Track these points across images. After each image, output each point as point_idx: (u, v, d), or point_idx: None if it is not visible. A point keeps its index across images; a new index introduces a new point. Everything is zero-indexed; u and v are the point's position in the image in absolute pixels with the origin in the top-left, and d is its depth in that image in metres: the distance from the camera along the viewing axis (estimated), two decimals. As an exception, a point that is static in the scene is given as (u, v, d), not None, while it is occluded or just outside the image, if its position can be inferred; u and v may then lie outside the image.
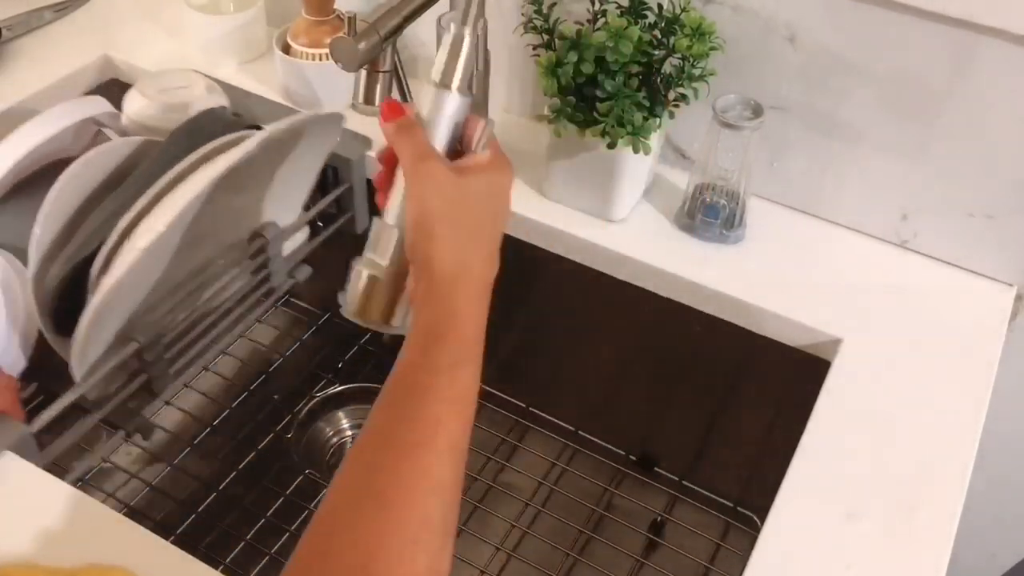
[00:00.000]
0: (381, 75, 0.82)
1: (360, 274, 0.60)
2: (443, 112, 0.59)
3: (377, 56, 0.80)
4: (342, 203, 0.97)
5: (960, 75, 0.78)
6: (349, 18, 0.77)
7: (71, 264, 0.73)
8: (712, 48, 0.81)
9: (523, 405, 1.12)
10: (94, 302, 0.69)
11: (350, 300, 0.60)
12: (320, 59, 1.00)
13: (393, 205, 0.59)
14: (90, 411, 0.74)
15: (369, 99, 0.83)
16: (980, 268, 0.88)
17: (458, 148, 0.60)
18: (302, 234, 0.93)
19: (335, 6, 1.00)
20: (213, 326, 0.84)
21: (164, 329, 0.78)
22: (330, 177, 0.96)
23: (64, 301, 0.74)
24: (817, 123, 0.87)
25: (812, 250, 0.90)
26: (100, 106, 0.88)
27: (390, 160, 0.60)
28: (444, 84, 0.59)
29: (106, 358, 0.74)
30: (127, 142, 0.82)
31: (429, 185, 0.55)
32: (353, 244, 0.92)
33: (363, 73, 0.82)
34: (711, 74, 0.82)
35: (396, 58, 0.83)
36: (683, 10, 0.82)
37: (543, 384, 1.11)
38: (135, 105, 0.92)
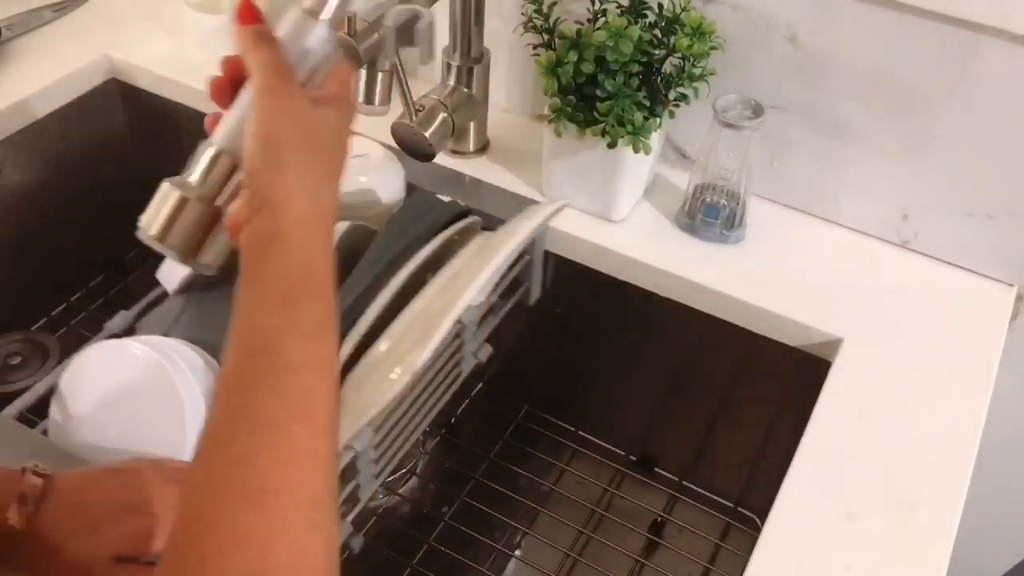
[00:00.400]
0: (381, 74, 0.82)
1: (168, 194, 0.52)
2: (303, 42, 0.52)
3: (377, 56, 0.80)
4: (519, 275, 0.89)
5: (961, 75, 0.78)
6: (349, 17, 0.77)
7: None
8: (712, 48, 0.81)
9: (523, 406, 1.12)
10: (346, 434, 0.63)
11: (150, 219, 0.52)
12: (320, 59, 1.00)
13: (226, 126, 0.52)
14: None
15: (369, 99, 0.83)
16: (980, 268, 0.88)
17: (304, 83, 0.53)
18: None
19: (335, 6, 1.00)
20: (411, 422, 0.78)
21: (375, 432, 0.71)
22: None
23: None
24: (817, 123, 0.87)
25: (812, 250, 0.90)
26: None
27: (235, 67, 0.53)
28: (312, 12, 0.53)
29: None
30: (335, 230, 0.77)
31: (284, 108, 0.49)
32: (526, 317, 0.92)
33: (363, 73, 0.82)
34: (711, 74, 0.82)
35: (396, 57, 0.83)
36: (683, 9, 0.82)
37: (543, 385, 1.10)
38: None
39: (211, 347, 0.73)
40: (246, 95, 0.52)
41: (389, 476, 0.76)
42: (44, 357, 1.08)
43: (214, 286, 0.81)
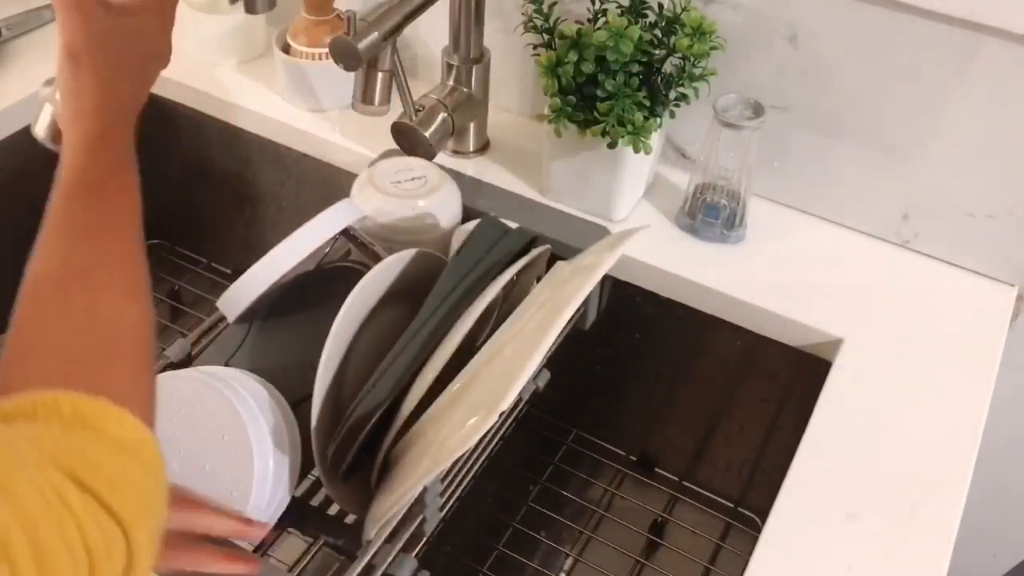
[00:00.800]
0: (381, 74, 0.82)
1: (44, 106, 0.70)
2: None
3: (377, 55, 0.80)
4: None
5: (961, 75, 0.78)
6: (349, 17, 0.77)
7: (370, 422, 0.65)
8: (713, 47, 0.81)
9: (523, 407, 1.11)
10: (422, 478, 0.60)
11: (38, 125, 0.71)
12: (320, 59, 1.00)
13: None
14: (376, 566, 0.67)
15: (369, 99, 0.83)
16: (981, 268, 0.88)
17: None
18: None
19: (335, 5, 1.00)
20: (474, 454, 0.77)
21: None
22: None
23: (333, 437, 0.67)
24: (817, 123, 0.87)
25: (813, 250, 0.90)
26: (353, 213, 0.80)
27: None
28: None
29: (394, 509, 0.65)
30: (401, 257, 0.74)
31: (78, 18, 0.58)
32: (584, 341, 0.91)
33: (363, 72, 0.82)
34: (711, 73, 0.82)
35: (396, 57, 0.83)
36: (683, 9, 0.82)
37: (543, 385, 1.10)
38: (374, 203, 0.84)
39: (275, 378, 0.71)
40: None
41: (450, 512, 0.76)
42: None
43: (277, 315, 0.79)
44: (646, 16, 0.84)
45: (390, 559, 0.67)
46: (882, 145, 0.85)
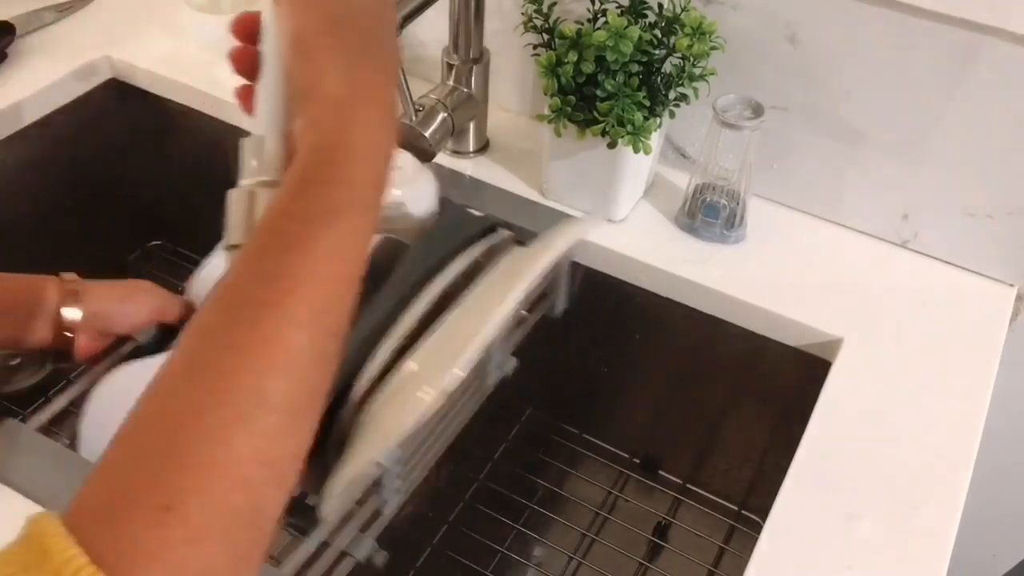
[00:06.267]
0: (381, 74, 0.82)
1: (236, 197, 0.50)
2: None
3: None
4: (545, 287, 0.85)
5: (961, 74, 0.78)
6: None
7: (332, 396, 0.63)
8: (712, 47, 0.81)
9: (526, 409, 1.11)
10: (372, 454, 0.59)
11: (231, 230, 0.49)
12: (320, 59, 1.00)
13: (264, 101, 0.50)
14: (330, 544, 0.67)
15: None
16: (980, 268, 0.88)
17: None
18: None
19: (335, 6, 1.00)
20: (437, 437, 0.76)
21: (402, 446, 0.68)
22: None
23: None
24: (817, 123, 0.87)
25: (813, 250, 0.90)
26: None
27: (248, 26, 0.51)
28: None
29: (347, 486, 0.64)
30: None
31: (299, 3, 0.47)
32: (550, 329, 0.88)
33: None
34: (711, 73, 0.82)
35: (396, 58, 0.83)
36: (683, 9, 0.82)
37: (545, 388, 1.10)
38: None
39: None
40: (267, 68, 0.51)
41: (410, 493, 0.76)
42: (44, 358, 1.08)
43: None
44: (646, 16, 0.84)
45: (349, 540, 0.68)
46: (882, 145, 0.85)
